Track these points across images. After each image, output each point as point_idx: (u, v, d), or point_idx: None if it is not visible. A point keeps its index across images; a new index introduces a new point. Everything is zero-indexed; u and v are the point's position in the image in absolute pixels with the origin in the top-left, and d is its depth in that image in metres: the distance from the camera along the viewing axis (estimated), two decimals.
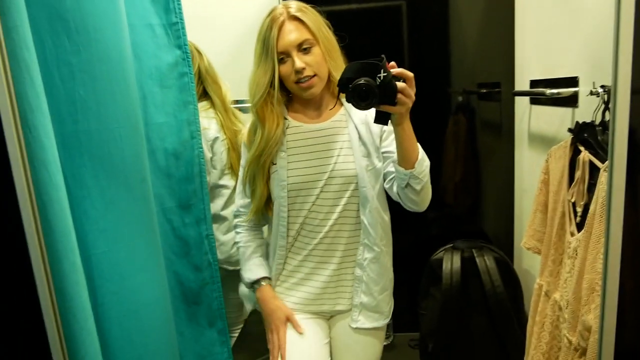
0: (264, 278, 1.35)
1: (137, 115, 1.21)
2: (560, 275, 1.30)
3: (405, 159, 1.13)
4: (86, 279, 1.06)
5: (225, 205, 1.77)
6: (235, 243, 1.45)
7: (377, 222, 1.26)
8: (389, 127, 1.23)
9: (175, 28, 1.37)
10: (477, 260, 1.82)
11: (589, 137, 1.20)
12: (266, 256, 1.40)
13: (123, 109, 1.15)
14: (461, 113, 2.16)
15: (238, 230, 1.42)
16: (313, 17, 1.21)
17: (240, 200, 1.40)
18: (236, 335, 1.98)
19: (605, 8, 1.24)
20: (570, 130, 1.31)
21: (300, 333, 1.28)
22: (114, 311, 1.17)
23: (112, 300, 1.16)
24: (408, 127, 1.09)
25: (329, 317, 1.38)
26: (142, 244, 1.23)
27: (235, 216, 1.43)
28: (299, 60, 1.17)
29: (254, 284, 1.35)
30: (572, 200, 1.24)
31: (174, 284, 1.47)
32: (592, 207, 1.11)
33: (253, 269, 1.36)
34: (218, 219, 1.75)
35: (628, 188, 0.84)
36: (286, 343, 1.28)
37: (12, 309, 0.95)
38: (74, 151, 1.08)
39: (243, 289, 1.44)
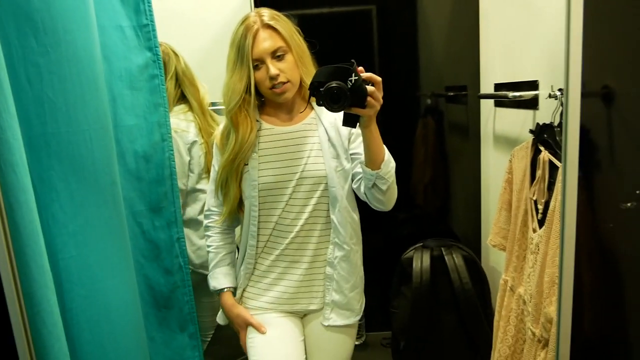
0: (228, 288, 1.38)
1: (107, 117, 1.20)
2: (524, 270, 1.35)
3: (372, 160, 1.17)
4: (55, 283, 1.04)
5: (202, 210, 1.75)
6: (206, 243, 1.44)
7: (346, 221, 1.29)
8: (357, 130, 1.28)
9: (145, 30, 1.36)
10: (446, 258, 1.87)
11: (548, 138, 1.26)
12: (234, 261, 1.42)
13: (93, 110, 1.14)
14: (430, 116, 2.21)
15: (209, 233, 1.42)
16: (285, 25, 1.25)
17: (211, 200, 1.40)
18: (209, 339, 1.96)
19: (562, 15, 1.30)
20: (531, 131, 1.37)
21: (263, 333, 1.31)
22: (84, 316, 1.15)
23: (82, 304, 1.14)
24: (375, 129, 1.14)
25: (303, 316, 1.40)
26: (112, 248, 1.22)
27: (206, 216, 1.43)
28: (273, 67, 1.20)
29: (217, 291, 1.39)
30: (534, 198, 1.30)
31: (144, 288, 1.45)
32: (552, 204, 1.17)
33: (219, 277, 1.39)
34: (195, 223, 1.74)
35: (581, 185, 0.89)
36: (261, 343, 1.30)
37: None
38: (42, 153, 1.06)
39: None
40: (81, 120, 1.10)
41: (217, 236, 1.41)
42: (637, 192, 0.84)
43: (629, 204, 0.86)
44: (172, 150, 1.47)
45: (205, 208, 1.43)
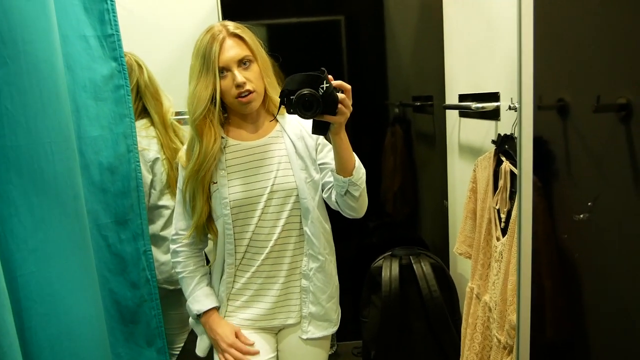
0: (213, 307, 1.34)
1: (69, 129, 1.17)
2: (489, 278, 1.38)
3: (343, 167, 1.18)
4: (13, 301, 1.00)
5: (165, 226, 1.72)
6: (174, 270, 1.39)
7: (319, 231, 1.30)
8: (323, 140, 1.30)
9: (110, 40, 1.34)
10: (415, 266, 1.89)
11: (509, 149, 1.30)
12: (210, 280, 1.39)
13: (55, 122, 1.10)
14: (398, 125, 2.25)
15: (179, 258, 1.36)
16: (251, 35, 1.26)
17: (179, 222, 1.36)
18: (177, 352, 1.93)
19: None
20: (493, 141, 1.41)
21: (251, 344, 1.29)
22: (44, 334, 1.11)
23: (42, 322, 1.10)
24: (345, 136, 1.15)
25: (277, 331, 1.39)
26: (75, 263, 1.18)
27: (173, 241, 1.37)
28: (239, 75, 1.20)
29: (201, 314, 1.34)
30: (497, 207, 1.34)
31: (109, 303, 1.41)
32: (513, 213, 1.20)
33: (202, 300, 1.33)
34: (157, 239, 1.71)
35: (537, 195, 0.92)
36: None
37: None
38: (0, 167, 1.03)
39: (191, 319, 1.40)
40: (42, 132, 1.07)
41: (190, 260, 1.36)
42: (589, 203, 0.88)
43: (581, 215, 0.89)
44: (139, 162, 1.45)
45: (173, 232, 1.38)
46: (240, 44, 1.22)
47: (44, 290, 1.11)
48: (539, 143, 0.91)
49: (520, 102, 0.90)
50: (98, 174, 1.36)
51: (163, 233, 1.72)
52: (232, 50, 1.21)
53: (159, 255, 1.71)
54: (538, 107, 0.89)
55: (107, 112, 1.36)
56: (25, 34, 1.02)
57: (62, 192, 1.14)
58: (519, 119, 0.91)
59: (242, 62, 1.22)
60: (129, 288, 1.46)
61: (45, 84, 1.07)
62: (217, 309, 1.35)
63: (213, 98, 1.22)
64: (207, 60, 1.20)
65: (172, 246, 1.38)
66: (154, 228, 1.69)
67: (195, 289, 1.35)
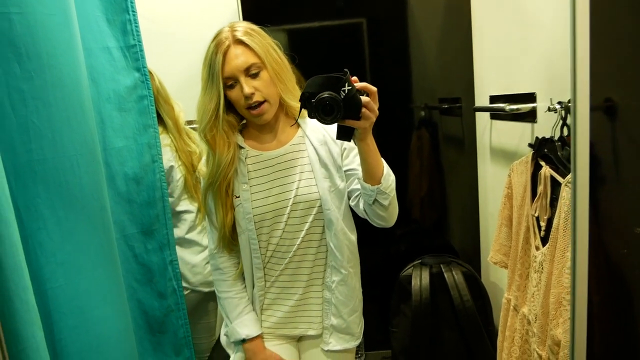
0: (259, 334, 1.30)
1: (94, 141, 1.16)
2: (528, 289, 1.32)
3: (370, 175, 1.12)
4: (43, 315, 1.00)
5: (190, 229, 1.72)
6: (216, 288, 1.35)
7: (343, 244, 1.25)
8: (350, 145, 1.22)
9: (133, 50, 1.33)
10: (446, 275, 1.83)
11: (549, 153, 1.23)
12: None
13: (80, 135, 1.10)
14: (424, 128, 2.19)
15: (222, 276, 1.32)
16: (260, 40, 1.18)
17: (209, 237, 1.33)
18: None
19: (559, 24, 1.29)
20: (530, 145, 1.34)
21: None
22: (74, 347, 1.11)
23: (72, 335, 1.10)
24: (372, 142, 1.08)
25: (298, 339, 1.36)
26: (103, 274, 1.18)
27: (211, 256, 1.34)
28: (246, 86, 1.14)
29: (247, 339, 1.30)
30: (536, 214, 1.27)
31: (137, 313, 1.42)
32: (555, 221, 1.14)
33: (250, 325, 1.29)
34: (184, 242, 1.70)
35: (591, 202, 0.85)
36: None
37: None
38: (28, 181, 1.03)
39: (227, 338, 1.36)
40: (67, 145, 1.07)
41: (232, 282, 1.31)
42: None
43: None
44: (163, 172, 1.44)
45: (209, 248, 1.35)
46: (246, 51, 1.15)
47: (73, 302, 1.11)
48: (593, 148, 0.84)
49: (574, 102, 0.83)
50: (124, 185, 1.35)
51: (189, 236, 1.71)
52: (237, 60, 1.14)
53: (190, 257, 1.70)
54: (592, 109, 0.82)
55: (132, 122, 1.36)
56: (50, 47, 1.01)
57: (89, 204, 1.14)
58: (573, 122, 0.84)
59: (250, 72, 1.15)
60: (156, 298, 1.46)
61: (70, 97, 1.07)
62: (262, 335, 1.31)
63: (218, 109, 1.17)
64: (212, 71, 1.15)
65: (212, 262, 1.35)
66: (178, 232, 1.69)
67: (244, 312, 1.30)
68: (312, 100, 0.98)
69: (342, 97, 0.97)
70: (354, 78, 1.01)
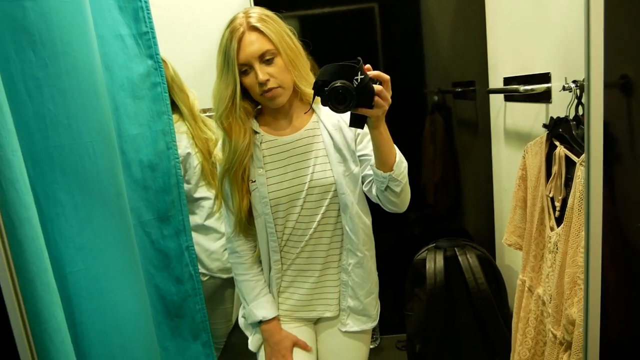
0: (276, 315, 1.33)
1: (110, 128, 1.18)
2: (542, 270, 1.31)
3: (383, 162, 1.12)
4: (63, 298, 1.03)
5: (208, 216, 1.74)
6: (234, 272, 1.37)
7: (358, 227, 1.26)
8: (364, 130, 1.21)
9: (146, 38, 1.34)
10: (460, 258, 1.83)
11: (563, 132, 1.22)
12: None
13: (95, 121, 1.12)
14: (437, 112, 2.18)
15: (240, 259, 1.34)
16: (274, 26, 1.18)
17: (226, 222, 1.35)
18: (222, 347, 1.95)
19: (574, 4, 1.26)
20: (545, 125, 1.32)
21: (309, 350, 1.31)
22: (94, 329, 1.13)
23: (92, 318, 1.13)
24: (385, 130, 1.08)
25: (315, 322, 1.38)
26: (121, 259, 1.20)
27: (228, 240, 1.36)
28: (261, 73, 1.15)
29: (265, 320, 1.32)
30: (550, 195, 1.26)
31: (155, 298, 1.44)
32: (570, 201, 1.13)
33: (267, 307, 1.31)
34: (201, 229, 1.72)
35: (605, 181, 0.84)
36: None
37: None
38: (46, 168, 1.05)
39: (245, 320, 1.39)
40: (83, 132, 1.08)
41: (252, 263, 1.34)
42: None
43: None
44: (178, 158, 1.45)
45: (225, 233, 1.37)
46: (260, 38, 1.15)
47: (93, 286, 1.13)
48: (608, 125, 0.82)
49: (588, 82, 0.81)
50: (139, 172, 1.37)
51: (207, 223, 1.73)
52: (252, 47, 1.14)
53: (208, 244, 1.73)
54: (607, 86, 0.80)
55: (145, 110, 1.37)
56: (64, 35, 1.02)
57: (106, 190, 1.16)
58: (587, 99, 0.82)
59: (264, 58, 1.15)
60: (173, 283, 1.47)
61: (84, 84, 1.08)
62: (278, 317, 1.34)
63: (234, 95, 1.18)
64: (227, 58, 1.16)
65: (228, 245, 1.37)
66: (196, 219, 1.71)
67: (260, 294, 1.32)
68: (325, 89, 0.98)
69: (355, 85, 0.97)
70: (367, 66, 1.01)
